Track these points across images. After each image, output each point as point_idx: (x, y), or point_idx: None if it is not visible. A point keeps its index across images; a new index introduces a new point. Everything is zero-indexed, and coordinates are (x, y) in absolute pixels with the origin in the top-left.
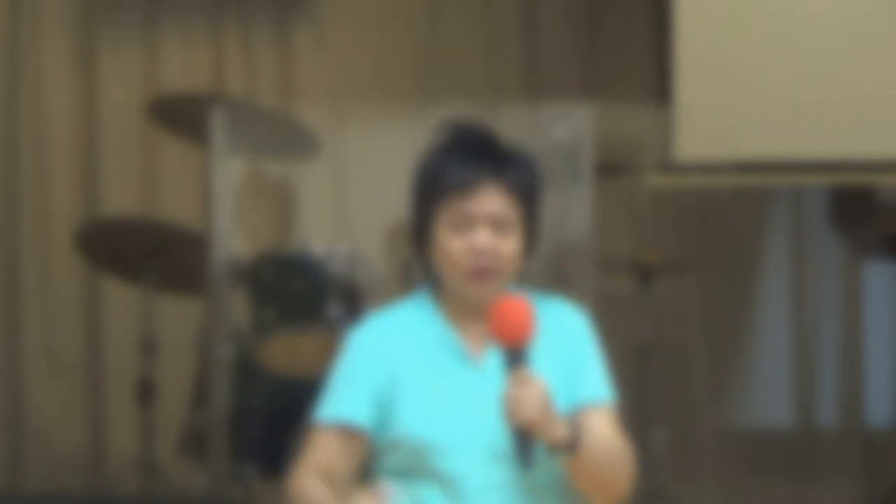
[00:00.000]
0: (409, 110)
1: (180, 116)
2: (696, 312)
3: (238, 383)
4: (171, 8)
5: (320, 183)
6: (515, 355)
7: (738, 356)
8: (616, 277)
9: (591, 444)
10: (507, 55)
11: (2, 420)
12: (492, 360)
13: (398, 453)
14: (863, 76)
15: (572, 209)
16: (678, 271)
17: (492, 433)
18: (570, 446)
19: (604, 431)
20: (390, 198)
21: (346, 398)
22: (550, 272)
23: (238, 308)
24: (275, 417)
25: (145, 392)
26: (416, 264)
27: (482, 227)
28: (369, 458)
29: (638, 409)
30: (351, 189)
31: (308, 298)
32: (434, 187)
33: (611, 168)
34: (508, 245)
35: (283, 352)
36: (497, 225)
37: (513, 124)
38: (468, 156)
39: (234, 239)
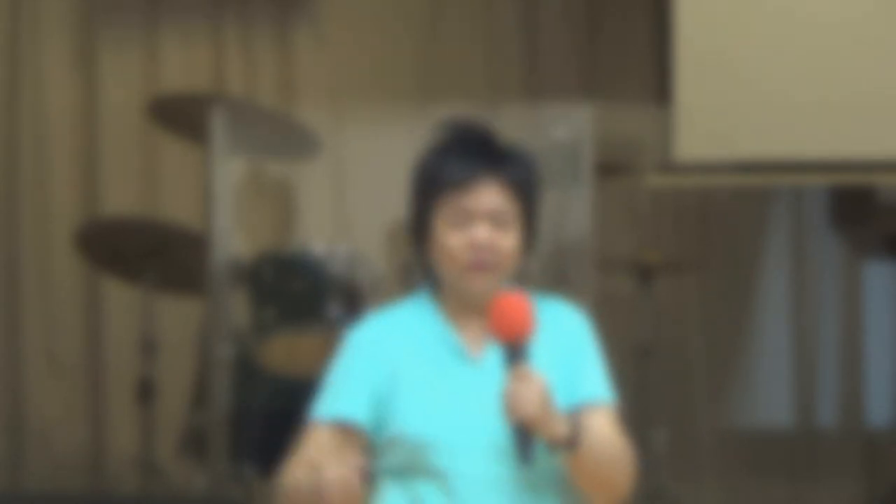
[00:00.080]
0: (409, 110)
1: (180, 116)
2: (696, 312)
3: (238, 383)
4: (171, 8)
5: (320, 183)
6: (515, 351)
7: (738, 356)
8: (616, 277)
9: (591, 443)
10: (507, 55)
11: (2, 420)
12: (491, 357)
13: (397, 451)
14: (863, 76)
15: (572, 209)
16: (678, 271)
17: (491, 430)
18: (570, 444)
19: (604, 431)
20: (390, 198)
21: (343, 396)
22: (550, 272)
23: (238, 308)
24: (275, 417)
25: (145, 392)
26: (416, 263)
27: (481, 221)
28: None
29: (638, 409)
30: (351, 189)
31: (308, 298)
32: (433, 184)
33: (611, 168)
34: (507, 240)
35: (283, 352)
36: (496, 220)
37: (513, 124)
38: (466, 152)
39: (234, 239)
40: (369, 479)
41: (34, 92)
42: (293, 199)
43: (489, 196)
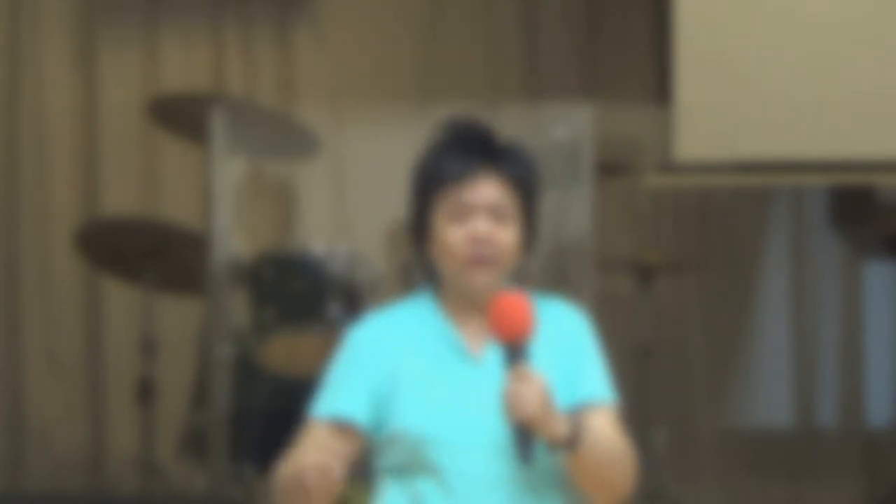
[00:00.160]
0: (409, 110)
1: (180, 116)
2: (696, 312)
3: (238, 383)
4: (171, 8)
5: (320, 183)
6: (515, 351)
7: (738, 356)
8: (616, 277)
9: (591, 443)
10: (507, 55)
11: (2, 420)
12: (491, 356)
13: (397, 449)
14: (863, 76)
15: (572, 209)
16: (678, 271)
17: (492, 428)
18: (570, 443)
19: (605, 430)
20: (390, 198)
21: (342, 394)
22: (550, 272)
23: (238, 308)
24: (275, 417)
25: (145, 392)
26: (416, 262)
27: (481, 215)
28: (369, 455)
29: (638, 409)
30: (351, 189)
31: (308, 298)
32: (432, 179)
33: (611, 168)
34: (507, 235)
35: (283, 352)
36: (495, 214)
37: (513, 124)
38: (465, 148)
39: (234, 239)
40: (359, 469)
41: (34, 92)
42: (293, 199)
43: (488, 190)
